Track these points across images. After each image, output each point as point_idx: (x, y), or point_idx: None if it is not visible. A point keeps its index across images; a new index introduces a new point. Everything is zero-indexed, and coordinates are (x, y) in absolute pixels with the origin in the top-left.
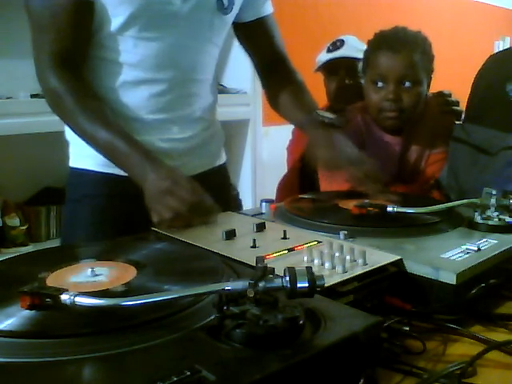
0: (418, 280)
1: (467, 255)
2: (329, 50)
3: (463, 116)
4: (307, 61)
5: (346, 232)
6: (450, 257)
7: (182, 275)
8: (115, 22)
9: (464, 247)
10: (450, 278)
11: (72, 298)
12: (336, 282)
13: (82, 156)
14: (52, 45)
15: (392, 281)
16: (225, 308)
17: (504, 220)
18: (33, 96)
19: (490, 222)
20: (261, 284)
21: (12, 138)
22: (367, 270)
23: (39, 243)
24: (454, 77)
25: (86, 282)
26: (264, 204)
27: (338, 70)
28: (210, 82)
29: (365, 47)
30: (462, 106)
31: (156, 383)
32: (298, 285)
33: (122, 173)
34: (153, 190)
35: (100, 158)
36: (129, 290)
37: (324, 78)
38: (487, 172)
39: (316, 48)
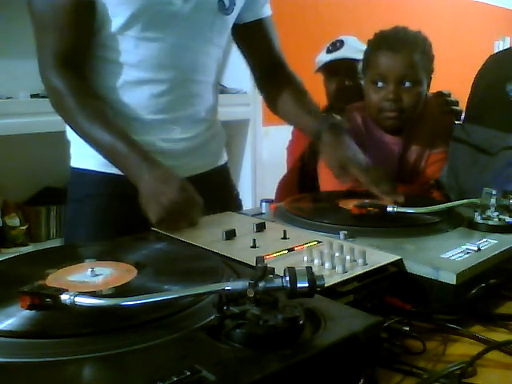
0: (418, 280)
1: (467, 255)
2: (328, 51)
3: (463, 116)
4: (307, 61)
5: (345, 232)
6: (450, 257)
7: (182, 275)
8: (116, 22)
9: (464, 247)
10: (450, 278)
11: (72, 297)
12: (336, 281)
13: (84, 156)
14: (54, 44)
15: (392, 281)
16: (225, 308)
17: (504, 220)
18: (33, 96)
19: (490, 222)
20: (261, 284)
21: (12, 138)
22: (367, 269)
23: (39, 243)
24: (453, 77)
25: (86, 282)
26: (264, 204)
27: (337, 70)
28: (212, 83)
29: (365, 47)
30: (462, 106)
31: (156, 383)
32: (298, 285)
33: (122, 173)
34: (146, 190)
35: (101, 158)
36: (116, 292)
37: (324, 78)
38: (487, 172)
39: (316, 48)
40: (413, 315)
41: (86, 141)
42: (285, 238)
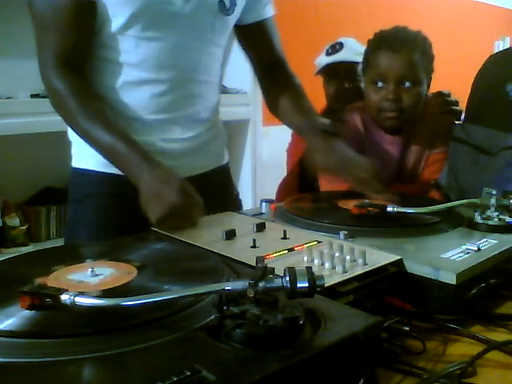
0: (418, 280)
1: (467, 255)
2: (328, 53)
3: (463, 116)
4: (307, 61)
5: (346, 232)
6: (450, 257)
7: (182, 275)
8: (116, 22)
9: (464, 247)
10: (450, 278)
11: (72, 297)
12: (336, 282)
13: (85, 156)
14: (55, 45)
15: (392, 281)
16: (225, 308)
17: (504, 220)
18: (33, 96)
19: (490, 222)
20: (261, 284)
21: (12, 138)
22: (367, 269)
23: (39, 243)
24: (453, 77)
25: (86, 281)
26: (264, 204)
27: (337, 73)
28: (214, 83)
29: (364, 50)
30: (462, 106)
31: (156, 383)
32: (298, 285)
33: (123, 173)
34: (146, 190)
35: (102, 158)
36: (108, 293)
37: (323, 81)
38: (487, 172)
39: (316, 48)
40: (413, 315)
41: (86, 141)
42: (285, 237)
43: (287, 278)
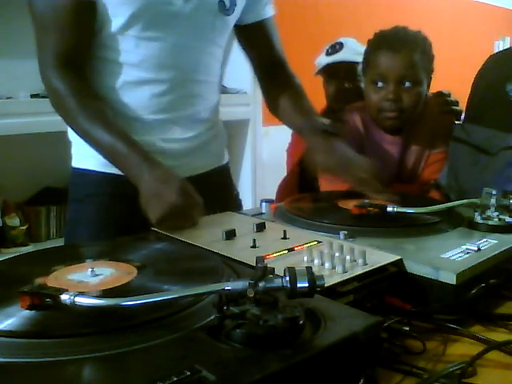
0: (418, 280)
1: (467, 255)
2: (328, 53)
3: (463, 116)
4: (307, 61)
5: (346, 232)
6: (450, 257)
7: (182, 275)
8: (116, 22)
9: (464, 247)
10: (450, 278)
11: (72, 297)
12: (336, 282)
13: (85, 156)
14: (55, 45)
15: (392, 281)
16: (225, 308)
17: (504, 220)
18: (33, 96)
19: (490, 222)
20: (261, 284)
21: (12, 138)
22: (367, 269)
23: (39, 243)
24: (453, 77)
25: (86, 282)
26: (264, 204)
27: (337, 73)
28: (214, 83)
29: (364, 50)
30: (462, 106)
31: (156, 383)
32: (298, 285)
33: (123, 173)
34: (146, 190)
35: (102, 158)
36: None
37: (323, 81)
38: (487, 172)
39: (316, 48)
40: (413, 315)
41: (86, 141)
42: (285, 238)
43: (287, 278)
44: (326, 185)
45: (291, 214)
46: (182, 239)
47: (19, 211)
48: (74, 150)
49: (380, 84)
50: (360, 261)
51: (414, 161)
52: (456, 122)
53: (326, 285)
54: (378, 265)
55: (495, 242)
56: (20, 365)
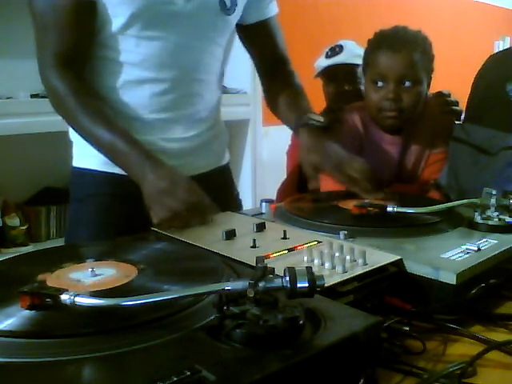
0: (418, 280)
1: (467, 255)
2: (327, 56)
3: (463, 116)
4: (307, 62)
5: (346, 232)
6: (450, 257)
7: (182, 275)
8: (116, 22)
9: (464, 247)
10: (450, 278)
11: (72, 297)
12: (336, 282)
13: (86, 156)
14: (54, 44)
15: (392, 281)
16: (225, 308)
17: (504, 220)
18: (33, 96)
19: (490, 222)
20: (261, 284)
21: (12, 138)
22: (367, 269)
23: (39, 243)
24: (453, 77)
25: (86, 281)
26: (264, 204)
27: (336, 75)
28: (215, 82)
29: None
30: (462, 106)
31: (156, 383)
32: (298, 285)
33: (124, 172)
34: (151, 189)
35: (103, 157)
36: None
37: (323, 83)
38: (487, 172)
39: (316, 49)
40: (413, 315)
41: (86, 140)
42: (285, 238)
43: (287, 278)
44: (326, 185)
45: (291, 213)
46: (182, 239)
47: (19, 211)
48: (75, 150)
49: (380, 83)
50: (360, 261)
51: (413, 161)
52: (456, 122)
53: (326, 285)
54: (378, 265)
55: (495, 241)
56: (20, 365)
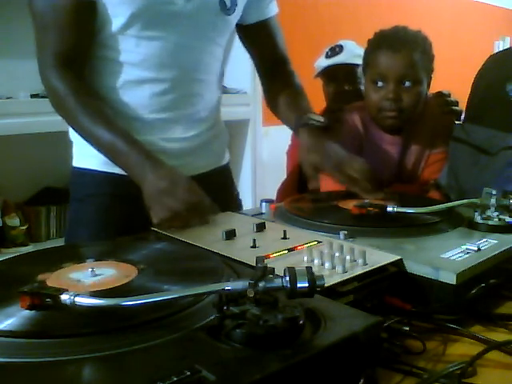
0: (418, 280)
1: (467, 255)
2: (327, 56)
3: (463, 116)
4: (307, 62)
5: (345, 232)
6: (450, 257)
7: (182, 275)
8: (116, 22)
9: (464, 247)
10: (450, 278)
11: (72, 297)
12: (336, 281)
13: (86, 156)
14: (54, 44)
15: (392, 281)
16: (225, 308)
17: (504, 220)
18: (33, 96)
19: (490, 222)
20: (261, 284)
21: (12, 138)
22: (367, 269)
23: (39, 243)
24: (454, 77)
25: (85, 281)
26: (264, 204)
27: (336, 75)
28: (214, 82)
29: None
30: (462, 106)
31: (156, 383)
32: (298, 285)
33: (124, 172)
34: (151, 190)
35: (103, 157)
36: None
37: (323, 83)
38: (487, 172)
39: (316, 49)
40: (413, 315)
41: (86, 140)
42: (285, 238)
43: (287, 278)
44: (326, 185)
45: (291, 213)
46: (182, 239)
47: (19, 211)
48: (75, 150)
49: (380, 83)
50: (360, 261)
51: (413, 161)
52: (456, 122)
53: (326, 285)
54: (378, 265)
55: (495, 241)
56: (20, 365)
